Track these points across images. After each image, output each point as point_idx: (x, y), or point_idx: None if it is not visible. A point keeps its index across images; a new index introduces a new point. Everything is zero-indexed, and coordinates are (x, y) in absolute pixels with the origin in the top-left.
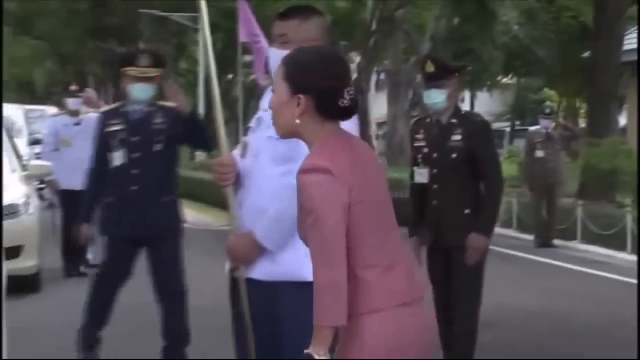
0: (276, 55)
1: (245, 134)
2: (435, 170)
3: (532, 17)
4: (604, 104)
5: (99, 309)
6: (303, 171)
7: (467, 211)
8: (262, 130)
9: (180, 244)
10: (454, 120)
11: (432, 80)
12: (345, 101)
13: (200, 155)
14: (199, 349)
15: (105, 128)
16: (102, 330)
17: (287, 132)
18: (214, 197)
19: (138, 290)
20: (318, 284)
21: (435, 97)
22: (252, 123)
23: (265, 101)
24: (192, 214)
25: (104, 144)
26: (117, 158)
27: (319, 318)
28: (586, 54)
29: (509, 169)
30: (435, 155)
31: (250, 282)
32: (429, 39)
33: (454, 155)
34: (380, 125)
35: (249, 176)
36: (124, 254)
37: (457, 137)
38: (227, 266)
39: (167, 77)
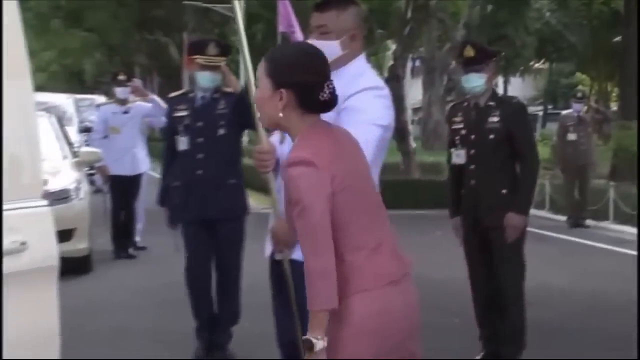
0: (316, 45)
1: None
2: (472, 152)
3: (564, 4)
4: (635, 87)
5: (200, 302)
6: (288, 164)
7: (504, 191)
8: None
9: (244, 227)
10: (491, 103)
11: (471, 65)
12: (325, 95)
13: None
14: (240, 327)
15: (173, 113)
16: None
17: (271, 125)
18: (255, 181)
19: (169, 270)
20: (309, 271)
21: (474, 81)
22: None
23: None
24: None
25: (172, 128)
26: (183, 143)
27: (313, 303)
28: (617, 39)
29: (541, 151)
30: (473, 136)
31: (294, 263)
32: (463, 26)
33: (491, 137)
34: (415, 110)
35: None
36: (198, 237)
37: (495, 119)
38: (268, 249)
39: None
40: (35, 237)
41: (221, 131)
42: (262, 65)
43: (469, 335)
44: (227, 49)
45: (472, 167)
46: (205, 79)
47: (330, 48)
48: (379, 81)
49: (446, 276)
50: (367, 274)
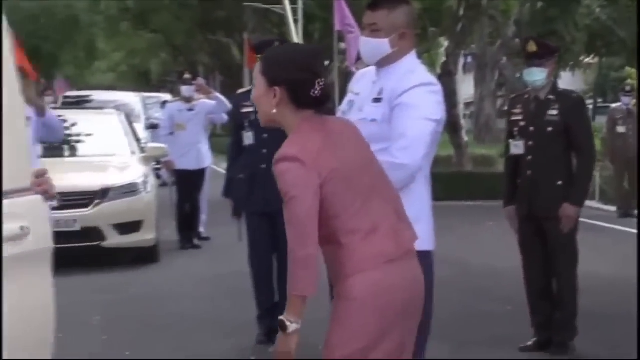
0: (367, 43)
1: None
2: (531, 143)
3: (613, 0)
4: None
5: (262, 290)
6: (276, 161)
7: (560, 182)
8: (353, 112)
9: None
10: (551, 97)
11: (533, 59)
12: (316, 91)
13: None
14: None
15: (239, 109)
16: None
17: (267, 121)
18: None
19: (232, 260)
20: (293, 259)
21: (536, 75)
22: (344, 106)
23: (355, 86)
24: None
25: (238, 123)
26: (248, 138)
27: (292, 288)
28: None
29: None
30: (532, 128)
31: None
32: (514, 23)
33: (550, 129)
34: (467, 105)
35: None
36: (260, 228)
37: (554, 112)
38: None
39: None
40: (35, 223)
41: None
42: (258, 65)
43: (521, 322)
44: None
45: (530, 158)
46: None
47: (380, 46)
48: (430, 77)
49: (498, 265)
50: (364, 256)
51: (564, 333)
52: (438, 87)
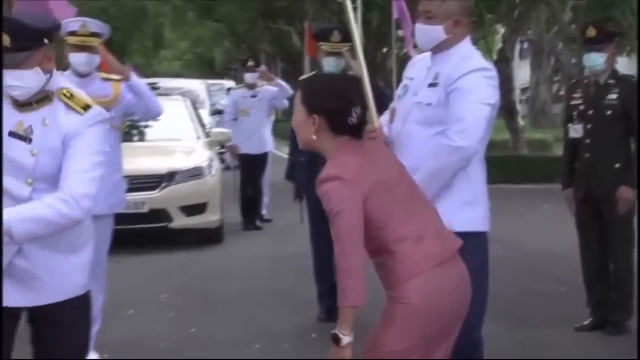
0: (422, 30)
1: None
2: (589, 126)
3: None
4: None
5: (323, 270)
6: (319, 183)
7: (617, 165)
8: (408, 97)
9: None
10: (611, 81)
11: (593, 44)
12: (353, 119)
13: None
14: None
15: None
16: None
17: (306, 145)
18: None
19: (293, 241)
20: (339, 271)
21: (595, 60)
22: (399, 91)
23: (410, 71)
24: None
25: None
26: None
27: (342, 300)
28: None
29: None
30: (590, 112)
31: None
32: (570, 9)
33: (608, 113)
34: (523, 90)
35: (400, 138)
36: (321, 210)
37: (613, 96)
38: None
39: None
40: None
41: None
42: (297, 94)
43: (577, 302)
44: (350, 35)
45: (588, 141)
46: (330, 65)
47: (434, 32)
48: (485, 63)
49: (554, 247)
50: (414, 261)
51: (620, 313)
52: (493, 72)
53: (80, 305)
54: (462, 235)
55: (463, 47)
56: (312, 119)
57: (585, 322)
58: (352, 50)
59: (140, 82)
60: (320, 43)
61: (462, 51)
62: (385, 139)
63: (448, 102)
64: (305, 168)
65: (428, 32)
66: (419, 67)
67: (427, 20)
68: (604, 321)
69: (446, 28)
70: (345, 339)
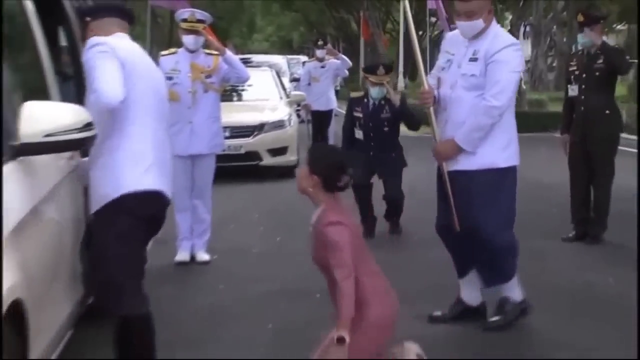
0: (466, 26)
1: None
2: (583, 86)
3: None
4: None
5: (364, 207)
6: (328, 224)
7: (607, 112)
8: (453, 69)
9: (401, 165)
10: (598, 51)
11: (583, 26)
12: (341, 183)
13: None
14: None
15: (352, 112)
16: None
17: (303, 193)
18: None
19: None
20: (343, 294)
21: (581, 38)
22: (443, 63)
23: (449, 47)
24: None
25: (350, 122)
26: (358, 134)
27: (345, 313)
28: None
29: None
30: (584, 75)
31: (454, 172)
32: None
33: (597, 74)
34: (526, 62)
35: (450, 102)
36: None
37: (600, 61)
38: (436, 163)
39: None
40: None
41: (385, 129)
42: (306, 158)
43: (565, 220)
44: (390, 68)
45: (583, 97)
46: (376, 93)
47: (476, 25)
48: (513, 38)
49: (548, 179)
50: (375, 289)
51: (597, 228)
52: (519, 45)
53: None
54: (504, 170)
55: (493, 29)
56: (312, 177)
57: (570, 235)
58: (392, 82)
59: (233, 56)
60: (368, 75)
61: (493, 31)
62: (434, 99)
63: (486, 72)
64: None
65: (472, 27)
66: (456, 43)
67: (468, 18)
68: (584, 234)
69: (484, 19)
70: (347, 340)
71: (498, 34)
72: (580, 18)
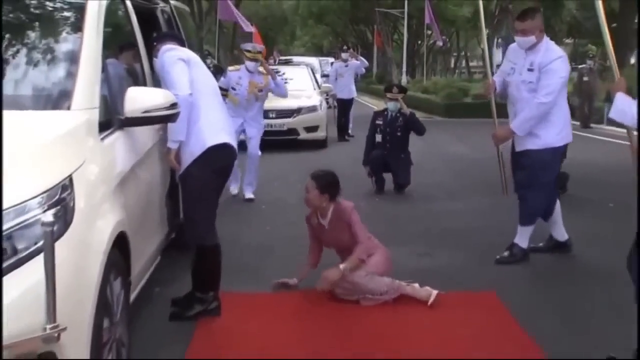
0: (522, 40)
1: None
2: None
3: (584, 5)
4: (621, 53)
5: (377, 177)
6: (350, 208)
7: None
8: (516, 75)
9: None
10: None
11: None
12: (339, 195)
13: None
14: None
15: (375, 121)
16: None
17: (314, 207)
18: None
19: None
20: (361, 246)
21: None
22: (507, 69)
23: (511, 57)
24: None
25: (373, 129)
26: (378, 138)
27: (357, 255)
28: (614, 25)
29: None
30: None
31: (522, 151)
32: None
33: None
34: (498, 66)
35: (516, 101)
36: (377, 157)
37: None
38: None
39: None
40: None
41: (398, 134)
42: (312, 182)
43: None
44: (403, 89)
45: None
46: (392, 106)
47: (529, 40)
48: (561, 51)
49: None
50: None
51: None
52: (566, 57)
53: None
54: (558, 147)
55: (545, 43)
56: (323, 196)
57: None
58: (405, 98)
59: (279, 79)
60: (387, 93)
61: (545, 46)
62: (495, 87)
63: (540, 77)
64: (376, 161)
65: (526, 41)
66: (516, 54)
67: (523, 34)
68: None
69: (536, 36)
70: (342, 266)
71: (549, 48)
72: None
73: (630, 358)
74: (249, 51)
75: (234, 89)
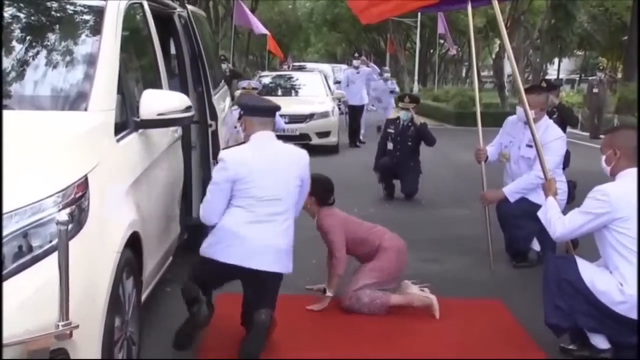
0: (519, 110)
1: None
2: None
3: (595, 18)
4: (632, 65)
5: (386, 180)
6: (322, 216)
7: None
8: (514, 149)
9: (418, 172)
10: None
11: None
12: (330, 200)
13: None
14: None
15: (387, 129)
16: None
17: (305, 209)
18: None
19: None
20: (338, 260)
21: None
22: (507, 143)
23: (510, 129)
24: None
25: (385, 137)
26: (389, 146)
27: (338, 271)
28: (624, 38)
29: (577, 98)
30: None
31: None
32: (537, 31)
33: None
34: (509, 76)
35: (514, 173)
36: (386, 162)
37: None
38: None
39: None
40: None
41: (409, 143)
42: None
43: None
44: (415, 99)
45: None
46: (403, 115)
47: (528, 115)
48: (560, 132)
49: None
50: (382, 236)
51: None
52: (564, 136)
53: None
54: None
55: (544, 121)
56: (311, 198)
57: None
58: (417, 108)
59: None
60: (399, 102)
61: (544, 123)
62: (487, 156)
63: (544, 151)
64: (385, 168)
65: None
66: (514, 127)
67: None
68: None
69: (535, 112)
70: (328, 293)
71: (548, 127)
72: (543, 83)
73: (630, 358)
74: (244, 88)
75: (235, 127)
